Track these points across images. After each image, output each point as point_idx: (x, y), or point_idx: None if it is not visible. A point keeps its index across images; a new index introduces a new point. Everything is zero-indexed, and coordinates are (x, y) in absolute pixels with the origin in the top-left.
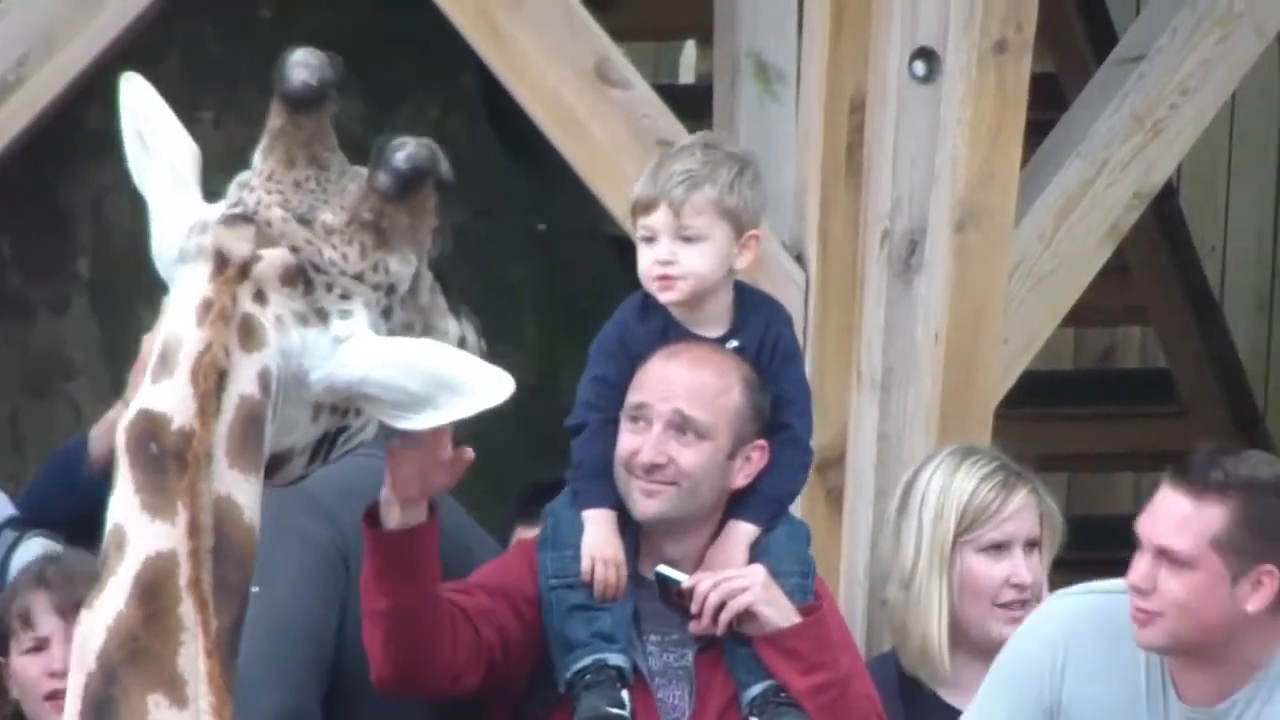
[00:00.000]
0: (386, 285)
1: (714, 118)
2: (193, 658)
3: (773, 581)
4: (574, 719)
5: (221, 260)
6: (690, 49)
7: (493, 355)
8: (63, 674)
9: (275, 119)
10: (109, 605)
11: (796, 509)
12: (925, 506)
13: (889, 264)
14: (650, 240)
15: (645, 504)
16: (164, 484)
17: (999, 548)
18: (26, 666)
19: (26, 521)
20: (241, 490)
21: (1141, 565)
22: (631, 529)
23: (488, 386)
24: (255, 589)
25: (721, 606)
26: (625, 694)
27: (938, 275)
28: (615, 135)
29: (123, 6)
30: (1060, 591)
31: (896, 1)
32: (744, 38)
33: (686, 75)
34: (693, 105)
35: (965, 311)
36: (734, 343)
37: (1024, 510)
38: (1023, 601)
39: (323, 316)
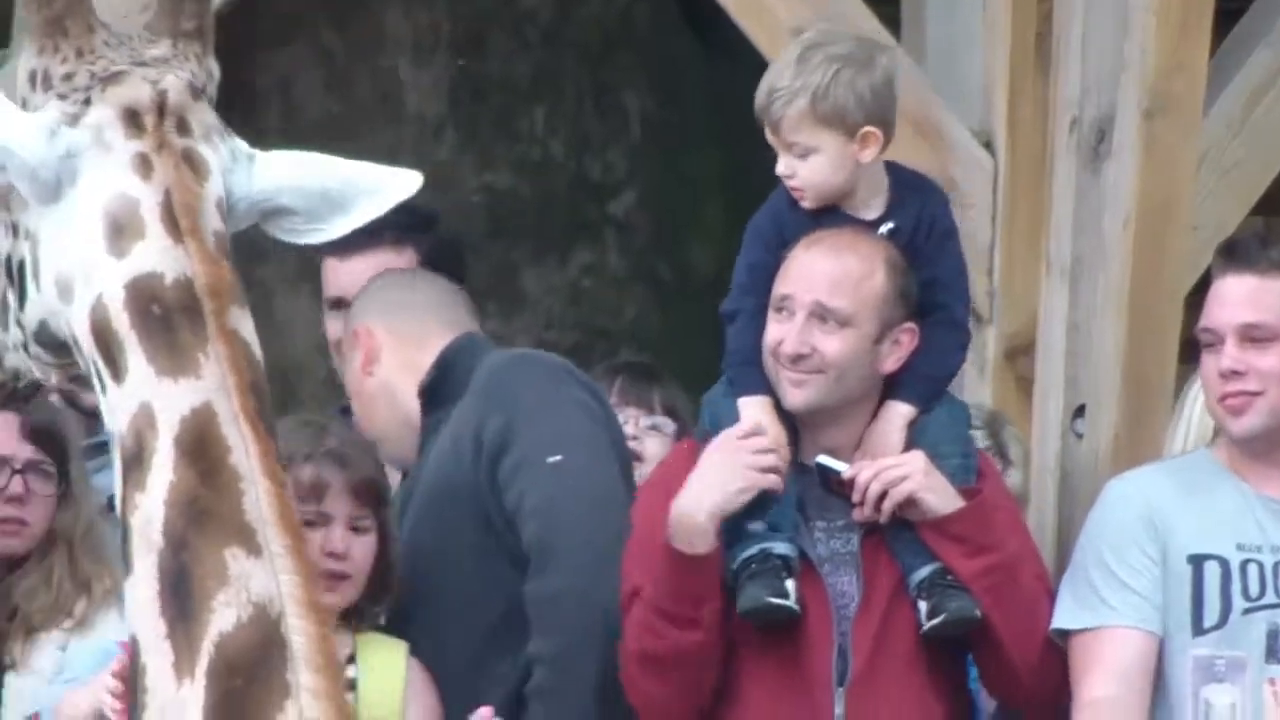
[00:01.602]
0: (214, 90)
1: (901, 5)
2: (256, 504)
3: (933, 467)
4: (737, 608)
5: (132, 112)
6: None
7: (677, 243)
8: (341, 555)
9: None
10: (159, 481)
11: (986, 396)
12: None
13: (1078, 152)
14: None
15: (794, 393)
16: (176, 341)
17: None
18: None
19: None
20: (245, 326)
21: (1229, 351)
22: (789, 417)
23: (397, 182)
24: (557, 458)
25: (883, 495)
26: (790, 583)
27: (1126, 163)
28: (802, 19)
29: None
30: (1116, 479)
31: None
32: None
33: None
34: None
35: (1154, 199)
36: (889, 224)
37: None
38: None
39: (220, 131)
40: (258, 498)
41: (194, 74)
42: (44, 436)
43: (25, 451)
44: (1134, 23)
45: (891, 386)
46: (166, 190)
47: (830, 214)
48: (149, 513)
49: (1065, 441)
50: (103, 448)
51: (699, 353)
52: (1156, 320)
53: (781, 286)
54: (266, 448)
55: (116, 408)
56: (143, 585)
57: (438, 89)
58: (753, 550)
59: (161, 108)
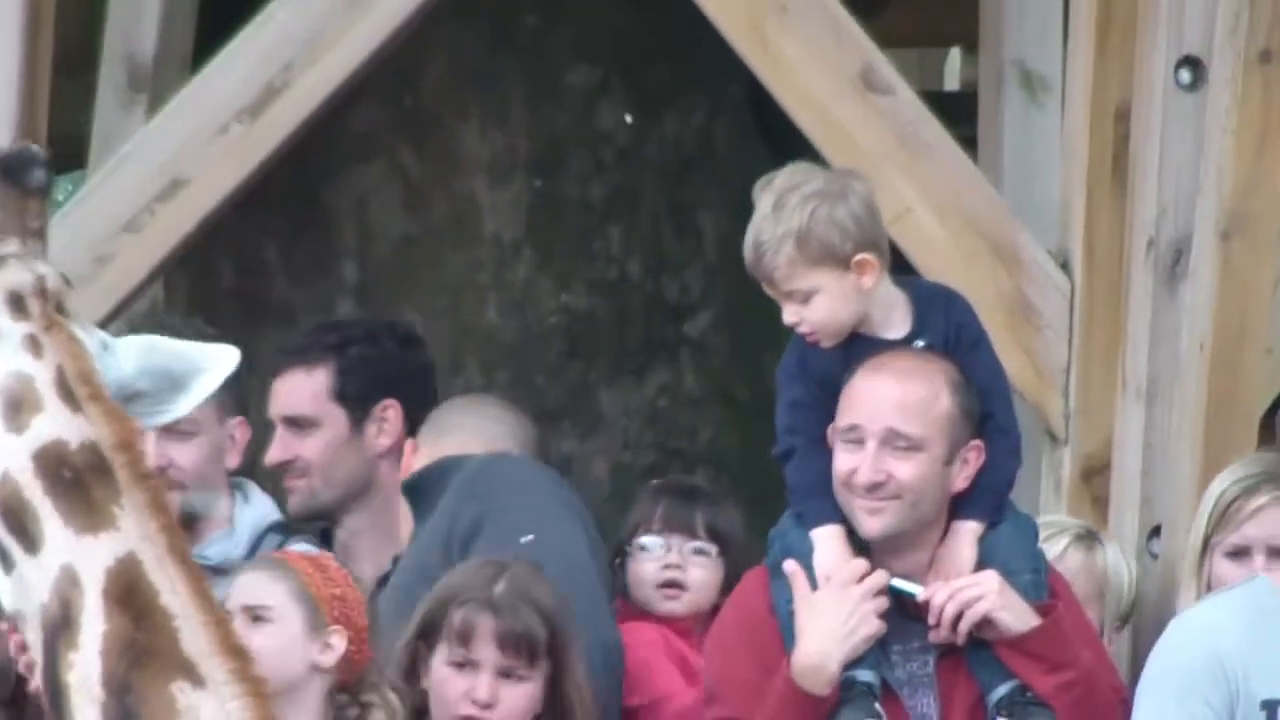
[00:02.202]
0: None
1: (979, 125)
2: (194, 638)
3: (1007, 586)
4: None
5: (16, 296)
6: (955, 56)
7: (754, 363)
8: (486, 704)
9: None
10: (91, 634)
11: (1062, 516)
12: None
13: (1154, 272)
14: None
15: (871, 521)
16: (91, 499)
17: (1239, 553)
18: (449, 679)
19: (290, 527)
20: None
21: None
22: (860, 543)
23: (222, 359)
24: (529, 537)
25: (959, 616)
26: (878, 707)
27: (1203, 283)
28: (881, 142)
29: (387, 12)
30: (1179, 617)
31: (1162, 10)
32: (1010, 46)
33: (952, 82)
34: (957, 112)
35: (1230, 320)
36: (920, 342)
37: (1267, 513)
38: None
39: (84, 321)
40: (194, 632)
41: (70, 289)
42: None
43: None
44: (1210, 143)
45: (955, 505)
46: (58, 366)
47: (855, 341)
48: (85, 667)
49: (1141, 562)
50: None
51: (776, 473)
52: (1232, 441)
53: (848, 416)
54: (195, 584)
55: (34, 581)
56: None
57: (515, 209)
58: (844, 677)
59: (43, 291)
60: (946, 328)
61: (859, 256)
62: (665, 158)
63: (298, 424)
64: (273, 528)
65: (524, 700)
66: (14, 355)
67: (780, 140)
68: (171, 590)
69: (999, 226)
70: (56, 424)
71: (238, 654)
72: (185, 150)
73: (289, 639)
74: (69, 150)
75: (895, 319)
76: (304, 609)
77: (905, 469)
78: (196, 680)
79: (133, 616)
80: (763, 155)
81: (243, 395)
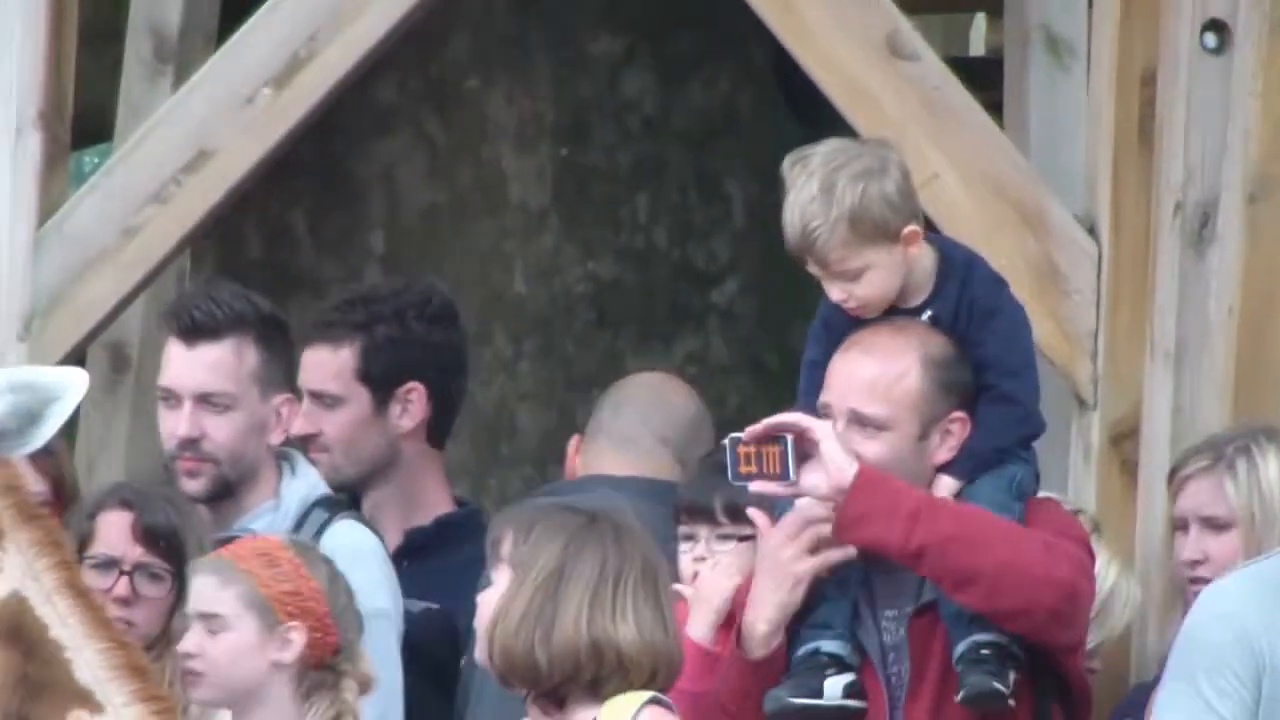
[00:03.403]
0: None
1: (1004, 91)
2: (87, 666)
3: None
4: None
5: None
6: (980, 21)
7: (782, 330)
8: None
9: None
10: None
11: (1091, 482)
12: None
13: (1181, 236)
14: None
15: None
16: None
17: (1181, 526)
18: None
19: (337, 503)
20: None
21: None
22: None
23: (73, 383)
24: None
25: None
26: (836, 680)
27: (1230, 247)
28: (907, 109)
29: None
30: (1204, 592)
31: None
32: (1034, 10)
33: (977, 48)
34: (983, 77)
35: (1258, 283)
36: (927, 314)
37: (1193, 484)
38: (1195, 579)
39: None
40: (88, 661)
41: None
42: (157, 537)
43: (135, 553)
44: (1237, 107)
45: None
46: None
47: None
48: None
49: (1170, 527)
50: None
51: None
52: (1261, 404)
53: (823, 394)
54: (89, 614)
55: None
56: None
57: (541, 178)
58: (806, 649)
59: None
60: (959, 299)
61: (908, 229)
62: (691, 125)
63: (323, 399)
64: (319, 502)
65: None
66: None
67: (806, 107)
68: (61, 623)
69: (1026, 192)
70: None
71: (138, 674)
72: (212, 121)
73: (243, 645)
74: (95, 122)
75: (920, 287)
76: (255, 613)
77: (871, 448)
78: (94, 707)
79: (22, 652)
80: (789, 122)
81: (290, 370)
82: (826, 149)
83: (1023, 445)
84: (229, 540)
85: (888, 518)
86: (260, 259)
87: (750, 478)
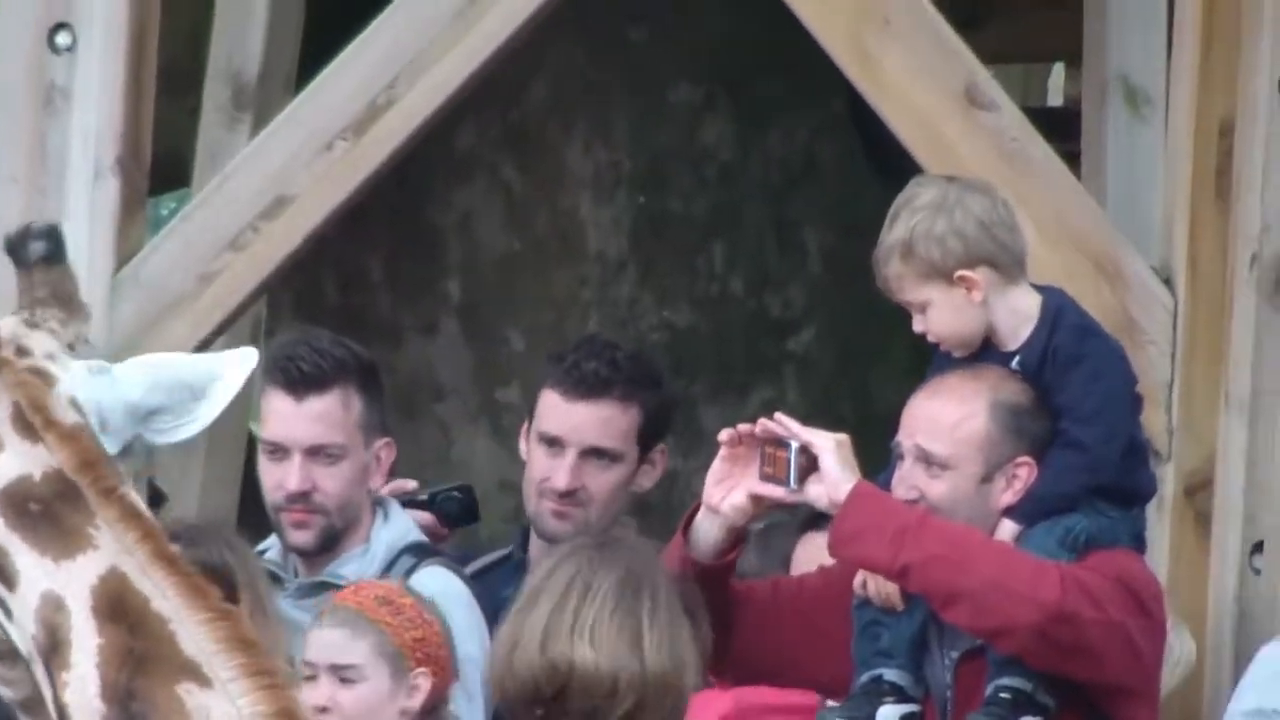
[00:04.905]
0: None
1: (1082, 141)
2: (191, 639)
3: (846, 459)
4: None
5: None
6: (1059, 71)
7: (859, 379)
8: None
9: None
10: (85, 650)
11: (1164, 533)
12: None
13: (1258, 287)
14: None
15: None
16: (63, 527)
17: None
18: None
19: (426, 549)
20: (125, 487)
21: None
22: None
23: (238, 364)
24: None
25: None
26: (890, 709)
27: None
28: (984, 158)
29: (491, 29)
30: None
31: (1266, 24)
32: (1113, 61)
33: (1055, 97)
34: (1061, 128)
35: None
36: (1016, 359)
37: None
38: None
39: (64, 353)
40: (191, 633)
41: (54, 330)
42: (203, 575)
43: None
44: None
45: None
46: (14, 402)
47: (983, 351)
48: (82, 684)
49: (1244, 577)
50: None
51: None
52: None
53: (899, 432)
54: (186, 585)
55: (19, 615)
56: None
57: (618, 226)
58: (864, 678)
59: None
60: (1046, 347)
61: (960, 273)
62: (769, 174)
63: (604, 456)
64: (408, 549)
65: None
66: None
67: (884, 157)
68: (161, 595)
69: (1102, 242)
70: (17, 460)
71: (244, 647)
72: (289, 168)
73: (378, 696)
74: (173, 168)
75: (1018, 333)
76: (388, 664)
77: (935, 487)
78: (202, 680)
79: (127, 627)
80: (867, 172)
81: (383, 415)
82: (926, 177)
83: (1098, 495)
84: (319, 586)
85: (877, 535)
86: (336, 306)
87: (769, 478)
